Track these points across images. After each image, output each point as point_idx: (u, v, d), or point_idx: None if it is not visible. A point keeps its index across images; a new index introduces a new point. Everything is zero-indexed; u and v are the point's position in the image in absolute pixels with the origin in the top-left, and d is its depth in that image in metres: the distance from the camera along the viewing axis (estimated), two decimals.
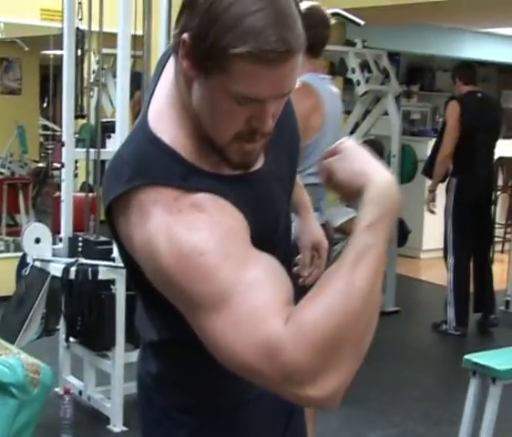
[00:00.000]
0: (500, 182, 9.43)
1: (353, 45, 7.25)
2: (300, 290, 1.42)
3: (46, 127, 10.50)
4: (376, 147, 6.84)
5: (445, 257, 6.57)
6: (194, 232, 1.30)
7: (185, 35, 1.31)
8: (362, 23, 6.50)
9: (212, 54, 1.28)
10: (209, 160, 1.41)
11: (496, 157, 7.09)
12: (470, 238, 6.48)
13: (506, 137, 9.33)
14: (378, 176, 1.34)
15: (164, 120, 1.42)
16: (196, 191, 1.35)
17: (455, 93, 6.73)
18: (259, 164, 1.47)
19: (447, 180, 6.54)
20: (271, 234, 1.49)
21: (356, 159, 1.39)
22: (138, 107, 4.90)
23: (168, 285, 1.34)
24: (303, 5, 4.11)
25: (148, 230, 1.33)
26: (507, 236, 9.47)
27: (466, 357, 3.78)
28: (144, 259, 1.36)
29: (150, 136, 1.40)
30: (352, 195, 1.37)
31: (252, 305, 1.26)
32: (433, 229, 8.41)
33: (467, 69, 6.77)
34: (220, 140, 1.37)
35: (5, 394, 2.91)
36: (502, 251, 9.29)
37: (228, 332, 1.27)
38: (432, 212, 6.67)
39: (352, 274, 1.25)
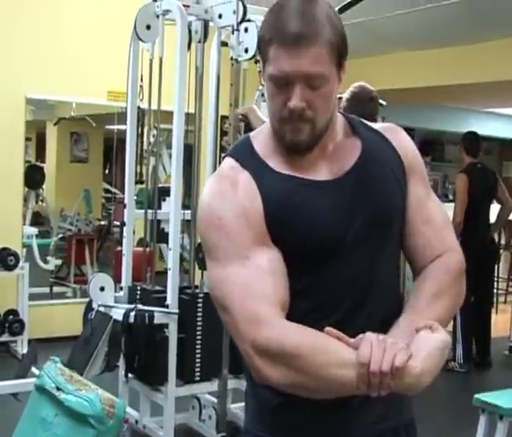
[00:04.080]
0: (503, 241, 9.33)
1: (376, 121, 7.27)
2: None
3: (107, 191, 10.57)
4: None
5: None
6: (221, 198, 1.52)
7: None
8: (384, 103, 6.53)
9: (260, 48, 1.54)
10: (275, 161, 1.58)
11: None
12: (474, 288, 6.38)
13: None
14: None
15: (259, 134, 1.65)
16: (245, 168, 1.55)
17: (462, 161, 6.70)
18: (321, 176, 1.57)
19: None
20: (317, 244, 1.51)
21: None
22: None
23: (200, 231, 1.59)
24: (354, 85, 4.17)
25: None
26: (510, 288, 9.35)
27: (476, 396, 3.73)
28: None
29: (248, 138, 1.66)
30: None
31: (250, 282, 1.45)
32: None
33: (473, 143, 6.74)
34: (275, 123, 1.55)
35: (86, 425, 2.91)
36: (505, 302, 9.17)
37: (226, 286, 1.47)
38: None
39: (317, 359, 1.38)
